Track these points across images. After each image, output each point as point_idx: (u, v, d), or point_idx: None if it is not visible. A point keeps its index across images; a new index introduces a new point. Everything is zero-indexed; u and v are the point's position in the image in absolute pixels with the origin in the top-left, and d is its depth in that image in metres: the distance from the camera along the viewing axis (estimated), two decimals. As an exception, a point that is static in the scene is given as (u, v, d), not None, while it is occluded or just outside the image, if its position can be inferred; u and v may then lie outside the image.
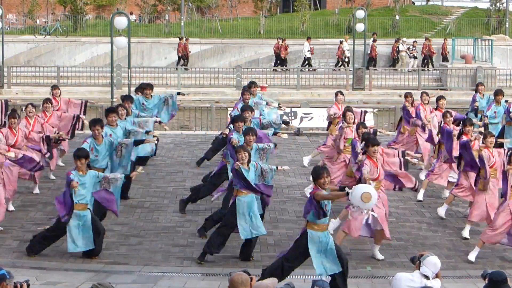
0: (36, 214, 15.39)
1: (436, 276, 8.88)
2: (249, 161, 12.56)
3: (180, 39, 42.81)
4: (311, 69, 41.32)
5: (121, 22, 25.35)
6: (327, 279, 10.43)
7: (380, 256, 12.98)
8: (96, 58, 44.30)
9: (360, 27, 36.97)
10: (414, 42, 43.14)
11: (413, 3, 59.78)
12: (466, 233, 14.22)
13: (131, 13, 49.53)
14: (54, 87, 19.83)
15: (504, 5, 49.98)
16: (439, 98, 18.82)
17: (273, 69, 40.81)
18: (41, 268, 12.24)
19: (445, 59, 42.48)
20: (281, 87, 37.92)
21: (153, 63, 43.96)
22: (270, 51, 44.62)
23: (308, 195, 11.25)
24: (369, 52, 41.77)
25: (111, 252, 13.22)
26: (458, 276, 12.20)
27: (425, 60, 42.68)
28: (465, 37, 44.74)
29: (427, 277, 8.76)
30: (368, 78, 38.08)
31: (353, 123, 16.28)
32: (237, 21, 51.72)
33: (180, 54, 42.20)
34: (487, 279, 8.30)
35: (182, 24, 47.92)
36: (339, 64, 42.07)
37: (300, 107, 26.90)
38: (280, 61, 42.22)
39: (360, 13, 37.07)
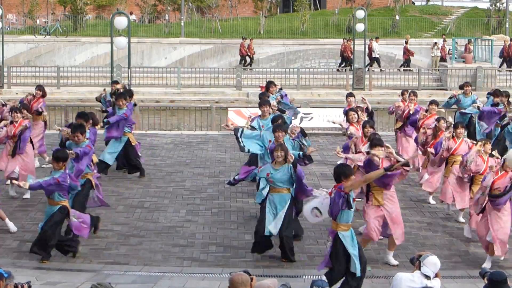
0: (36, 214, 15.38)
1: (436, 275, 8.88)
2: (286, 160, 12.20)
3: (244, 39, 42.70)
4: (378, 70, 41.16)
5: (121, 22, 25.36)
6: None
7: (394, 262, 12.59)
8: (96, 58, 44.30)
9: (360, 27, 36.99)
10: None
11: (413, 3, 59.78)
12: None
13: (131, 13, 49.51)
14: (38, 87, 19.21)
15: (504, 5, 50.02)
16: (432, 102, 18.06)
17: (338, 69, 40.85)
18: (41, 268, 12.23)
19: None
20: (281, 87, 37.82)
21: (153, 63, 43.95)
22: (270, 51, 44.58)
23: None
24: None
25: (111, 252, 13.21)
26: (458, 276, 12.19)
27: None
28: (465, 37, 44.72)
29: (428, 277, 8.75)
30: (368, 78, 38.08)
31: (357, 121, 16.10)
32: (237, 21, 51.70)
33: (242, 54, 42.23)
34: (486, 278, 8.30)
35: (182, 24, 47.91)
36: (404, 64, 42.11)
37: (300, 107, 26.85)
38: (345, 61, 42.26)
39: (360, 13, 37.08)
